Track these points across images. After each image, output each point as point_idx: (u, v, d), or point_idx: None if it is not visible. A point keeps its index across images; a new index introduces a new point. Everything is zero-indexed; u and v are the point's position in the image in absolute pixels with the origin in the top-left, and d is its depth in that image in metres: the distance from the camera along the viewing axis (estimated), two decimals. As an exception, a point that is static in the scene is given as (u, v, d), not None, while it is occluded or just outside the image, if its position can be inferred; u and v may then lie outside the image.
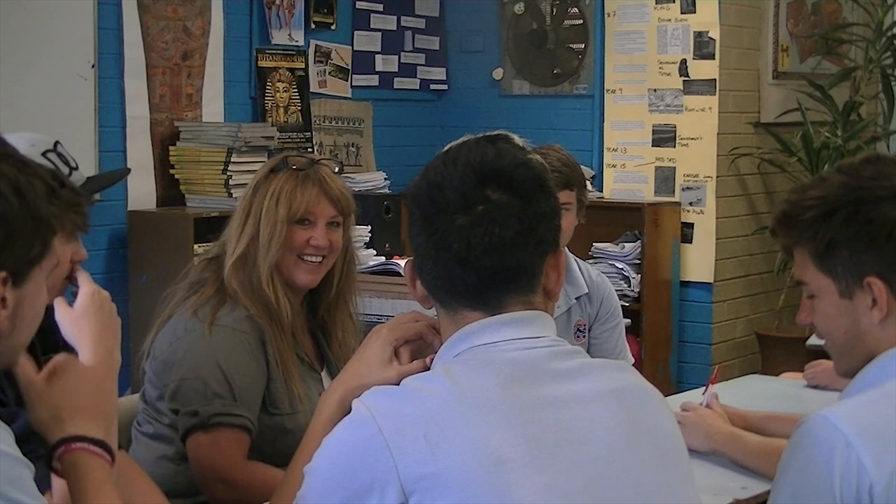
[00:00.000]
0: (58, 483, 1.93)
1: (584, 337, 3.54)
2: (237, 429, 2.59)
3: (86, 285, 2.12)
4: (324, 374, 2.83)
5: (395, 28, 6.44)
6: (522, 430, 1.56)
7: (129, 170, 2.86)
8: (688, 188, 6.07)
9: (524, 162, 1.70)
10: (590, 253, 5.80)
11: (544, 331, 1.69)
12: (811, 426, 1.74)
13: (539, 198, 1.68)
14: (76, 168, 2.24)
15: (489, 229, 1.63)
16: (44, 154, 2.14)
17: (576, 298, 3.53)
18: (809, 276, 1.88)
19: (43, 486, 1.64)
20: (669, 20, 6.05)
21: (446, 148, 1.74)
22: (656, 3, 6.07)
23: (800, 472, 1.73)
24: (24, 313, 1.66)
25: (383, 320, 5.62)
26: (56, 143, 2.22)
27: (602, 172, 6.25)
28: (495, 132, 1.80)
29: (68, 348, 2.14)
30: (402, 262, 5.27)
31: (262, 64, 5.76)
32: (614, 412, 1.62)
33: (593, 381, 1.65)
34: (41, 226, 1.64)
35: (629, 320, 5.66)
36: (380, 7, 6.34)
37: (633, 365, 2.79)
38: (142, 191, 5.20)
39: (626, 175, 6.22)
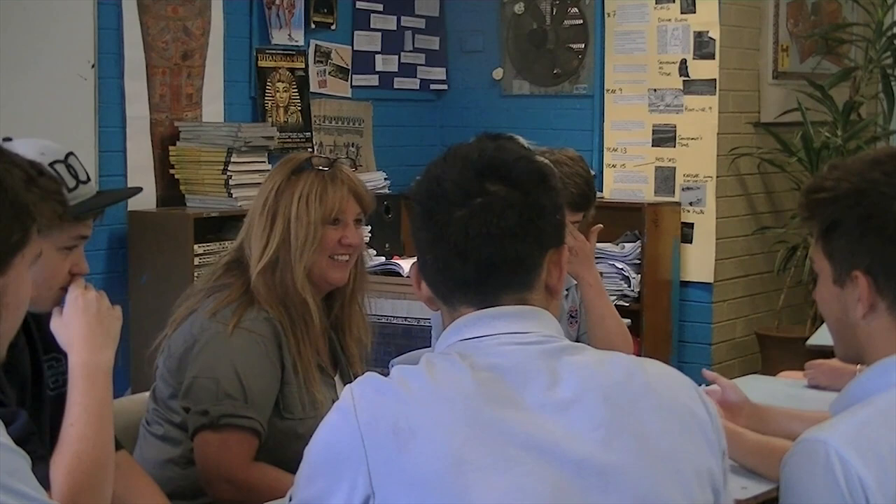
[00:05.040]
0: (57, 483, 1.94)
1: (576, 323, 3.54)
2: (246, 431, 2.59)
3: (71, 290, 2.12)
4: (336, 378, 2.83)
5: (395, 28, 6.44)
6: (489, 430, 1.55)
7: (140, 188, 2.84)
8: (688, 188, 6.07)
9: (525, 156, 1.70)
10: (590, 253, 5.80)
11: (538, 327, 1.66)
12: (807, 454, 1.70)
13: (539, 191, 1.67)
14: (86, 181, 2.21)
15: (487, 220, 1.63)
16: (51, 165, 2.12)
17: (566, 289, 3.54)
18: (816, 254, 1.88)
19: (43, 486, 1.63)
20: (669, 20, 6.05)
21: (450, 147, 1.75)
22: (656, 3, 6.07)
23: (811, 500, 1.68)
24: (7, 301, 1.66)
25: (382, 321, 5.61)
26: (68, 154, 2.19)
27: (602, 172, 6.25)
28: (500, 133, 1.80)
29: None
30: (403, 262, 5.27)
31: (262, 64, 5.76)
32: (594, 415, 1.58)
33: (580, 381, 1.61)
34: (20, 213, 1.64)
35: (629, 320, 5.67)
36: (380, 7, 6.34)
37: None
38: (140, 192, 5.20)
39: (626, 175, 6.22)
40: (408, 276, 4.99)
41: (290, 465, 2.62)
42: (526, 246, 1.66)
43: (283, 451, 2.64)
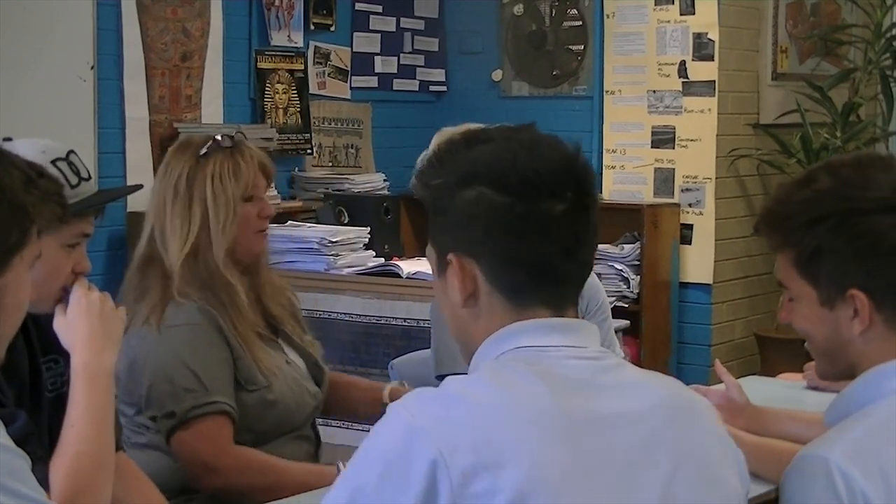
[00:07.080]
0: (56, 484, 1.94)
1: None
2: (216, 415, 2.61)
3: (75, 291, 2.12)
4: (280, 340, 2.87)
5: (394, 29, 6.44)
6: (573, 448, 1.47)
7: (141, 185, 2.86)
8: (687, 189, 6.08)
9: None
10: (589, 254, 5.80)
11: (590, 342, 1.60)
12: (807, 470, 1.69)
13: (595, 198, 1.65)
14: (87, 179, 2.22)
15: (587, 220, 1.59)
16: (53, 162, 2.13)
17: None
18: (790, 280, 1.85)
19: (42, 487, 1.63)
20: (668, 21, 6.05)
21: (495, 131, 1.62)
22: (655, 5, 6.07)
23: None
24: (7, 302, 1.66)
25: (382, 321, 5.60)
26: (69, 152, 2.20)
27: (601, 174, 6.25)
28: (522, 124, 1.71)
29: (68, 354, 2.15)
30: (402, 264, 5.26)
31: (262, 65, 5.77)
32: (660, 433, 1.54)
33: (641, 398, 1.56)
34: (18, 213, 1.64)
35: (628, 321, 5.68)
36: (379, 8, 6.34)
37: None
38: (141, 192, 5.19)
39: (625, 176, 6.22)
40: (407, 277, 4.97)
41: (272, 433, 2.70)
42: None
43: (262, 421, 2.69)
